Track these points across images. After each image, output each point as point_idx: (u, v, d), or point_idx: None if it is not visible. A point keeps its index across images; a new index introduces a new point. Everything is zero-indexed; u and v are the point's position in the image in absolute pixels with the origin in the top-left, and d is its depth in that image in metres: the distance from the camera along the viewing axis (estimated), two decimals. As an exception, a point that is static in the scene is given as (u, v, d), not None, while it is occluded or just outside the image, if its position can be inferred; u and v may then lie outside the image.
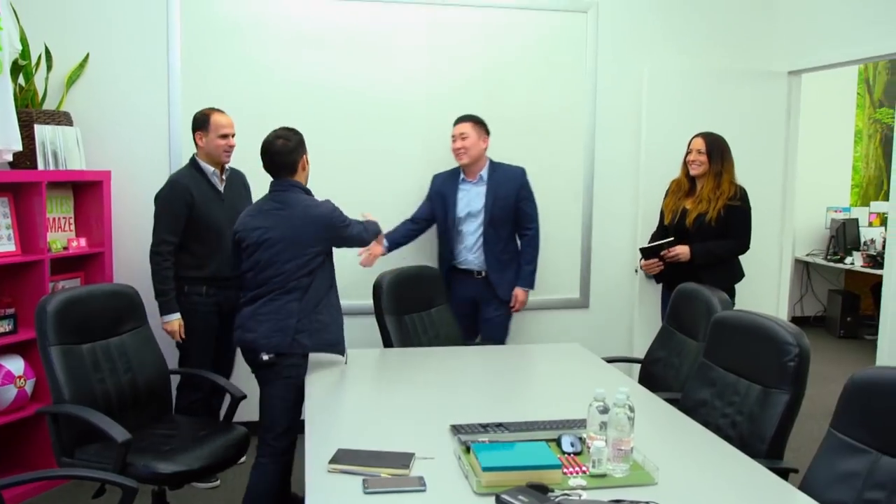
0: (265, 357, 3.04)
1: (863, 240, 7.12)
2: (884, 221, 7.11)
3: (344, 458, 2.10)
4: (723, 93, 4.70)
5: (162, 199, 3.67)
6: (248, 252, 3.13)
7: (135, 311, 3.22)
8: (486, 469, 1.95)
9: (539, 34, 4.58)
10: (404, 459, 2.11)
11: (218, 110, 3.82)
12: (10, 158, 3.63)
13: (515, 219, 4.13)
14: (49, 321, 2.82)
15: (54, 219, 3.89)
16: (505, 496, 1.83)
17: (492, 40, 4.53)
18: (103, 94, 4.12)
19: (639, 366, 3.68)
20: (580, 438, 2.22)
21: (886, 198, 7.62)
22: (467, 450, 2.14)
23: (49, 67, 3.97)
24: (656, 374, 3.45)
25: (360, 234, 3.31)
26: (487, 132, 4.10)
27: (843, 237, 7.17)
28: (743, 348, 2.65)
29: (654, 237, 4.25)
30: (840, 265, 7.16)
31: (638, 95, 4.66)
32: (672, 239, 4.00)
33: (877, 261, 6.68)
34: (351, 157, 4.34)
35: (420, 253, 4.31)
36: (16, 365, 3.57)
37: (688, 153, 4.05)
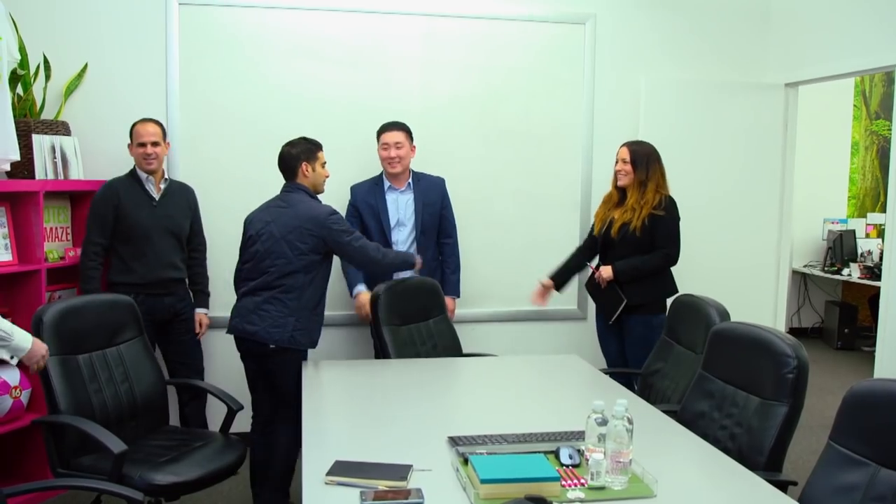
0: (272, 346, 3.30)
1: (860, 251, 7.13)
2: (881, 233, 7.13)
3: (341, 471, 2.09)
4: (720, 104, 4.71)
5: (92, 202, 3.77)
6: (248, 243, 3.42)
7: (132, 321, 3.23)
8: (484, 481, 1.94)
9: (536, 46, 4.59)
10: (402, 471, 2.10)
11: (144, 120, 3.82)
12: (8, 168, 3.63)
13: (439, 227, 4.19)
14: (45, 331, 2.82)
15: (51, 228, 3.88)
16: (503, 509, 1.82)
17: (488, 52, 4.54)
18: (101, 104, 4.13)
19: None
20: (578, 451, 2.22)
21: (883, 209, 7.63)
22: (465, 462, 2.13)
23: (47, 77, 3.98)
24: (654, 385, 3.45)
25: (363, 248, 3.40)
26: (413, 141, 4.14)
27: (841, 249, 7.18)
28: (741, 360, 2.64)
29: (581, 247, 4.17)
30: (837, 277, 7.17)
31: (635, 107, 4.67)
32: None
33: (874, 272, 6.69)
34: (346, 166, 4.33)
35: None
36: (11, 375, 3.54)
37: (616, 163, 3.96)
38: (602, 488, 2.02)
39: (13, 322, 3.50)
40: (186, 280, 3.99)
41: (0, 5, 3.52)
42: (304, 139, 3.49)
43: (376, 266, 3.58)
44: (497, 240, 4.62)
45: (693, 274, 4.47)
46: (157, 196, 3.83)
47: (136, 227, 3.75)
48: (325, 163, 3.52)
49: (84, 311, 3.03)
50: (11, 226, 3.65)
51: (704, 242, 4.68)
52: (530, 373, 3.50)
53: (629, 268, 3.81)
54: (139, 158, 3.77)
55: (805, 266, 7.58)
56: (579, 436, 2.31)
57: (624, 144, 3.93)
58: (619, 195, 3.96)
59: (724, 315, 3.17)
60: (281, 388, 3.36)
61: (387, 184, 4.13)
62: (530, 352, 4.51)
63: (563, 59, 4.64)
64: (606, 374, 3.39)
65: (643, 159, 3.84)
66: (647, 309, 3.82)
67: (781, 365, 2.43)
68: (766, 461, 2.38)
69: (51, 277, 3.75)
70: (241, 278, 3.47)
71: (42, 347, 2.71)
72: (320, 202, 3.45)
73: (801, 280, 7.75)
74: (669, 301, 3.83)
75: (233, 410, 3.19)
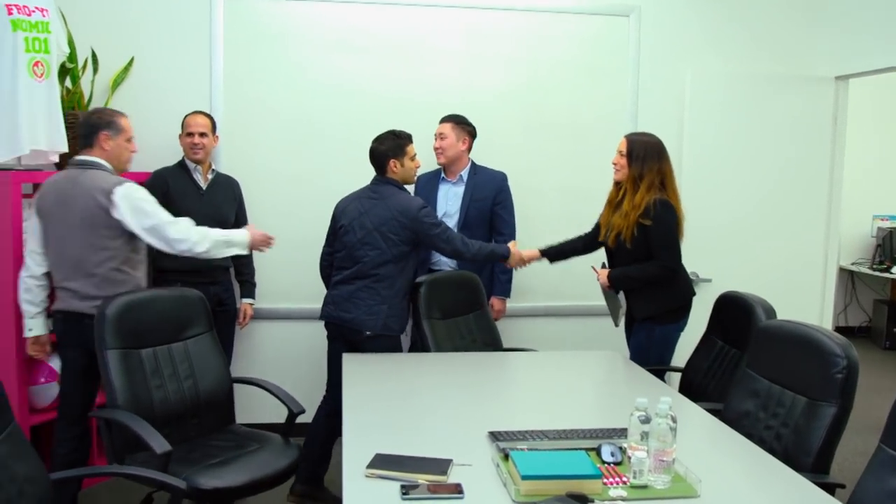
0: (368, 333, 3.49)
1: (910, 249, 6.96)
2: (932, 230, 6.95)
3: (382, 464, 2.10)
4: (767, 98, 4.62)
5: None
6: (341, 232, 3.59)
7: (201, 316, 3.19)
8: (525, 477, 1.93)
9: (580, 38, 4.55)
10: (442, 466, 2.09)
11: (196, 112, 3.96)
12: (57, 160, 3.70)
13: (491, 223, 4.14)
14: (108, 325, 2.82)
15: (98, 219, 3.93)
16: (544, 506, 1.81)
17: (531, 45, 4.50)
18: (147, 97, 4.18)
19: (678, 375, 3.63)
20: (621, 448, 2.19)
21: (936, 206, 7.46)
22: (506, 457, 2.11)
23: (95, 70, 4.04)
24: (696, 383, 3.40)
25: (450, 240, 3.55)
26: (471, 134, 4.12)
27: (890, 246, 7.02)
28: (788, 359, 2.59)
29: (583, 235, 3.94)
30: (886, 275, 7.00)
31: (680, 100, 4.60)
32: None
33: (925, 271, 6.52)
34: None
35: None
36: (59, 363, 3.61)
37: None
38: (645, 487, 2.00)
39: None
40: (231, 270, 4.05)
41: (50, 0, 3.58)
42: (391, 134, 3.59)
43: (461, 257, 3.72)
44: (539, 234, 4.56)
45: (738, 270, 4.43)
46: (204, 186, 3.92)
47: (184, 215, 3.77)
48: (414, 155, 3.61)
49: (150, 305, 3.02)
50: (60, 216, 3.71)
51: (751, 238, 4.61)
52: (571, 368, 3.48)
53: (624, 276, 3.59)
54: (187, 148, 3.89)
55: (853, 264, 7.42)
56: (621, 433, 2.29)
57: (626, 135, 3.67)
58: (616, 193, 3.67)
59: (771, 313, 3.11)
60: None
61: (442, 175, 4.16)
62: (568, 347, 4.47)
63: (607, 52, 4.58)
64: (648, 370, 3.35)
65: (640, 153, 3.49)
66: (652, 319, 3.56)
67: (830, 365, 2.38)
68: (813, 463, 2.34)
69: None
70: (329, 264, 3.69)
71: (256, 232, 3.34)
72: (409, 194, 3.59)
73: (848, 278, 7.58)
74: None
75: (294, 413, 3.09)
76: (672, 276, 3.53)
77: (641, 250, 3.49)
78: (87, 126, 3.17)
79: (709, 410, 2.75)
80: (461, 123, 4.10)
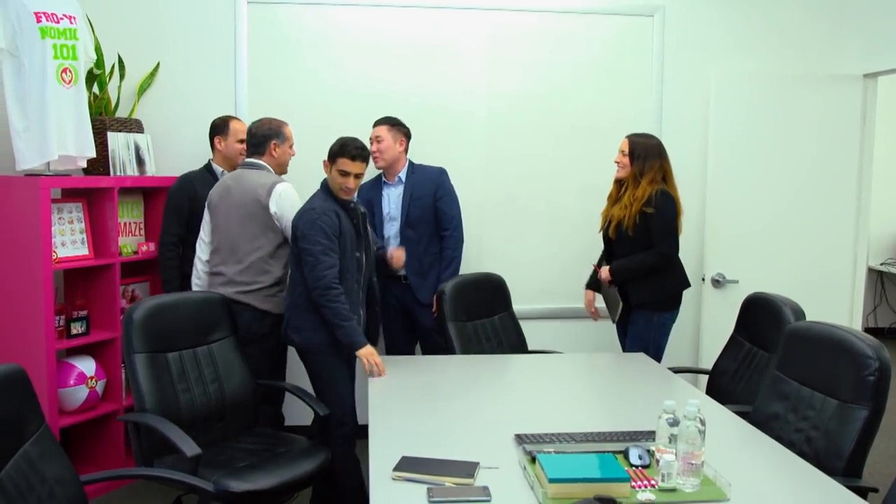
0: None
1: (941, 248, 6.85)
2: (964, 230, 6.84)
3: (408, 466, 2.10)
4: (794, 97, 4.56)
5: (169, 194, 3.86)
6: None
7: (224, 319, 3.20)
8: (552, 481, 1.92)
9: (603, 39, 4.52)
10: (469, 469, 2.09)
11: (237, 118, 4.02)
12: (84, 165, 3.74)
13: (435, 220, 4.05)
14: (135, 329, 2.83)
15: (125, 223, 3.98)
16: (572, 509, 1.80)
17: (554, 46, 4.48)
18: (172, 102, 4.22)
19: (705, 377, 3.60)
20: (648, 451, 2.18)
21: (967, 205, 7.33)
22: (533, 460, 2.11)
23: (122, 76, 4.08)
24: (724, 385, 3.37)
25: (309, 265, 3.15)
26: (406, 135, 4.05)
27: (920, 246, 6.91)
28: (819, 361, 2.56)
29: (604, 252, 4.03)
30: (917, 275, 6.90)
31: (705, 100, 4.56)
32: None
33: (956, 271, 6.41)
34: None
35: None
36: (87, 366, 3.66)
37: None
38: (673, 490, 1.98)
39: (89, 315, 3.65)
40: None
41: (78, 7, 3.63)
42: (342, 140, 3.30)
43: (311, 294, 3.17)
44: (563, 236, 4.56)
45: (766, 271, 4.38)
46: None
47: None
48: (344, 172, 3.24)
49: (176, 308, 3.03)
50: (88, 221, 3.76)
51: (778, 239, 4.56)
52: (597, 370, 3.46)
53: (623, 268, 3.71)
54: (236, 154, 3.88)
55: (882, 264, 7.31)
56: (649, 436, 2.27)
57: (627, 136, 3.79)
58: (617, 190, 3.82)
59: (800, 314, 3.07)
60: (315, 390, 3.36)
61: (383, 179, 4.11)
62: (594, 349, 4.44)
63: (631, 53, 4.55)
64: (675, 372, 3.32)
65: (642, 153, 3.69)
66: (650, 306, 3.70)
67: (862, 367, 2.35)
68: (844, 466, 2.30)
69: (124, 271, 3.84)
70: None
71: None
72: (325, 199, 3.29)
73: (877, 278, 7.47)
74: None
75: (319, 416, 3.08)
76: (669, 263, 3.69)
77: (643, 238, 3.65)
78: (259, 136, 3.57)
79: (737, 413, 2.72)
80: (396, 125, 4.03)
